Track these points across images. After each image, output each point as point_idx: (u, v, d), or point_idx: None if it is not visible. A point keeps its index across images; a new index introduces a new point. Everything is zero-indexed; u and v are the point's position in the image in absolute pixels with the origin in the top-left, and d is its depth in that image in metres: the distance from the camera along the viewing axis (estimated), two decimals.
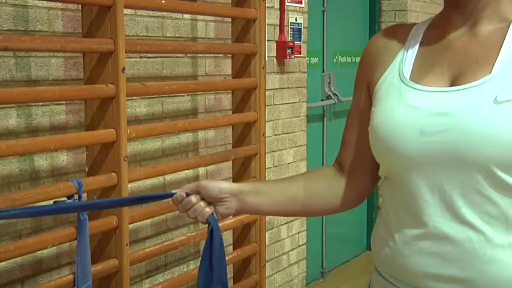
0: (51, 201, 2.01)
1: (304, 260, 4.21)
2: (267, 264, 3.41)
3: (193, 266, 3.15)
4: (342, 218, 4.05)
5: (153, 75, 2.87)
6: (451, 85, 1.19)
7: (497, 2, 1.22)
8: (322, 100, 4.54)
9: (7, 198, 1.96)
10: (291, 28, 3.84)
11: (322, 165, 4.46)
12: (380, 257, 1.28)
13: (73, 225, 2.20)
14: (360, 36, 5.03)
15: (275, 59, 3.73)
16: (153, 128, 2.65)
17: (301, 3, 3.95)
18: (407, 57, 1.27)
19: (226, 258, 1.49)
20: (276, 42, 3.72)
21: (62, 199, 2.08)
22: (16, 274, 2.35)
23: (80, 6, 2.32)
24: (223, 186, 1.36)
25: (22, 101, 2.21)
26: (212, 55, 3.18)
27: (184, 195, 1.33)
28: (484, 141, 1.10)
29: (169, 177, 2.97)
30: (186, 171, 3.06)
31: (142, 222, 2.74)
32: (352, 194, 1.39)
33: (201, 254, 1.73)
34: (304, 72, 4.03)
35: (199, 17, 3.09)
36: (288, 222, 3.99)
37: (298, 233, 4.11)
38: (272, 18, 3.65)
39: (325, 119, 4.61)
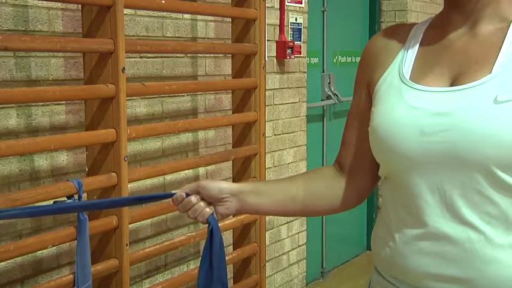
0: (51, 201, 2.01)
1: (304, 260, 4.21)
2: (267, 264, 3.41)
3: (193, 266, 3.15)
4: (342, 218, 4.05)
5: (153, 75, 2.87)
6: (451, 85, 1.19)
7: (497, 2, 1.22)
8: (322, 100, 4.54)
9: (7, 198, 1.96)
10: (291, 28, 3.84)
11: (322, 165, 4.46)
12: (380, 257, 1.28)
13: (73, 225, 2.20)
14: (360, 36, 5.03)
15: (275, 59, 3.74)
16: (153, 128, 2.65)
17: (301, 3, 3.95)
18: (407, 57, 1.27)
19: (226, 258, 1.49)
20: (276, 42, 3.72)
21: (62, 199, 2.08)
22: (16, 274, 2.35)
23: (80, 6, 2.32)
24: (223, 186, 1.36)
25: (22, 101, 2.21)
26: (212, 55, 3.18)
27: (184, 195, 1.33)
28: (484, 141, 1.10)
29: (169, 177, 2.97)
30: (186, 171, 3.06)
31: (142, 222, 2.74)
32: (352, 194, 1.39)
33: (201, 254, 1.73)
34: (304, 72, 4.03)
35: (199, 17, 3.09)
36: (288, 222, 3.99)
37: (298, 233, 4.11)
38: (272, 18, 3.65)
39: (325, 119, 4.61)
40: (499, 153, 1.10)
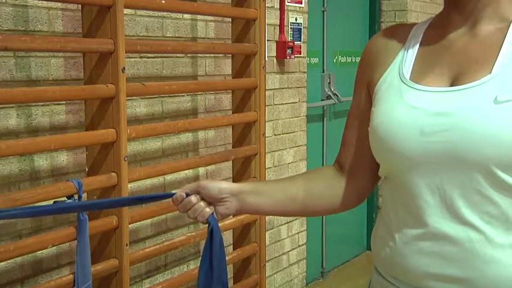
0: (51, 201, 2.01)
1: (304, 260, 4.21)
2: (267, 264, 3.41)
3: (193, 266, 3.15)
4: (342, 218, 4.05)
5: (153, 75, 2.87)
6: (451, 85, 1.19)
7: (497, 2, 1.22)
8: (322, 100, 4.54)
9: (7, 198, 1.96)
10: (291, 28, 3.84)
11: (322, 165, 4.46)
12: (380, 257, 1.28)
13: (73, 225, 2.20)
14: (360, 36, 5.03)
15: (275, 59, 3.74)
16: (153, 128, 2.65)
17: (301, 3, 3.95)
18: (407, 57, 1.27)
19: (226, 258, 1.49)
20: (276, 42, 3.72)
21: (62, 199, 2.08)
22: (16, 274, 2.35)
23: (80, 6, 2.32)
24: (223, 186, 1.36)
25: (22, 101, 2.21)
26: (212, 55, 3.18)
27: (184, 195, 1.33)
28: (484, 141, 1.10)
29: (169, 177, 2.97)
30: (186, 171, 3.06)
31: (142, 222, 2.74)
32: (352, 194, 1.39)
33: (201, 254, 1.73)
34: (304, 72, 4.03)
35: (199, 17, 3.09)
36: (288, 222, 3.99)
37: (298, 233, 4.11)
38: (272, 18, 3.65)
39: (325, 119, 4.61)
40: (499, 153, 1.10)
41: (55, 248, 2.40)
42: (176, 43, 2.93)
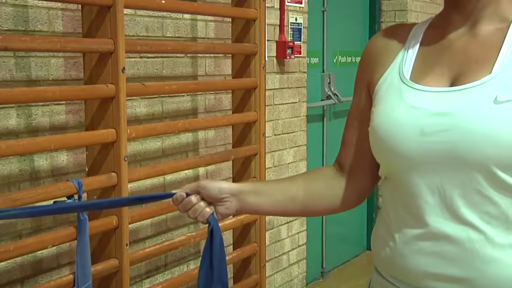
0: (51, 201, 2.01)
1: (304, 260, 4.21)
2: (267, 264, 3.41)
3: (193, 266, 3.15)
4: (342, 218, 4.05)
5: (153, 75, 2.87)
6: (451, 85, 1.19)
7: (497, 2, 1.22)
8: (322, 100, 4.54)
9: (7, 198, 1.96)
10: (291, 28, 3.84)
11: (322, 165, 4.46)
12: (380, 257, 1.28)
13: (73, 225, 2.20)
14: (360, 36, 5.03)
15: (275, 59, 3.74)
16: (153, 128, 2.65)
17: (301, 3, 3.95)
18: (407, 57, 1.27)
19: (226, 258, 1.49)
20: (276, 42, 3.72)
21: (62, 199, 2.08)
22: (16, 274, 2.35)
23: (80, 6, 2.32)
24: (223, 186, 1.36)
25: (22, 101, 2.21)
26: (212, 55, 3.18)
27: (185, 195, 1.33)
28: (484, 141, 1.10)
29: (169, 177, 2.97)
30: (186, 171, 3.06)
31: (142, 222, 2.74)
32: (352, 194, 1.39)
33: (201, 254, 1.73)
34: (304, 72, 4.03)
35: (199, 17, 3.09)
36: (288, 222, 3.99)
37: (298, 233, 4.11)
38: (272, 18, 3.65)
39: (325, 119, 4.61)
40: (499, 153, 1.10)
41: (55, 248, 2.40)
42: (176, 43, 2.93)
